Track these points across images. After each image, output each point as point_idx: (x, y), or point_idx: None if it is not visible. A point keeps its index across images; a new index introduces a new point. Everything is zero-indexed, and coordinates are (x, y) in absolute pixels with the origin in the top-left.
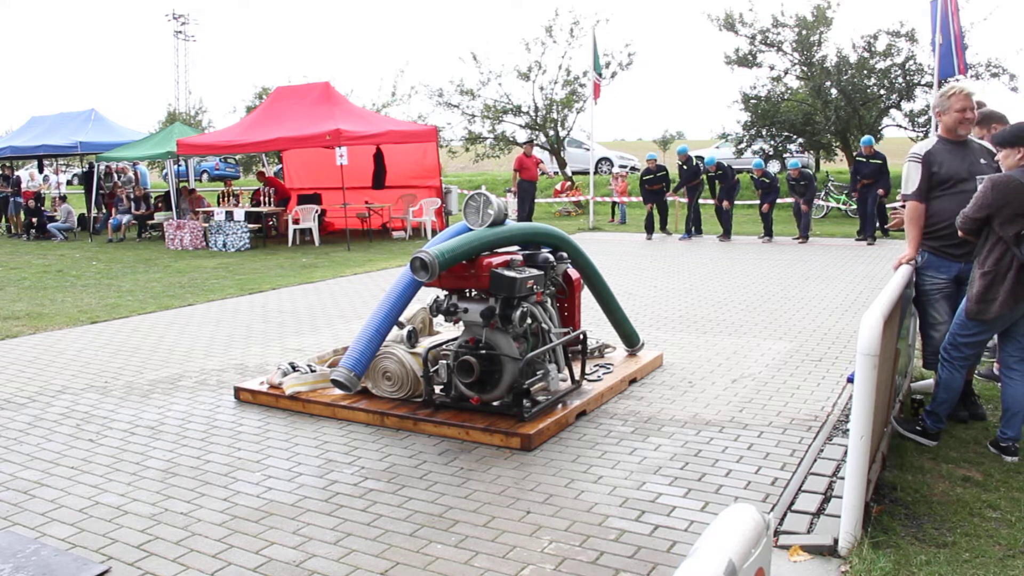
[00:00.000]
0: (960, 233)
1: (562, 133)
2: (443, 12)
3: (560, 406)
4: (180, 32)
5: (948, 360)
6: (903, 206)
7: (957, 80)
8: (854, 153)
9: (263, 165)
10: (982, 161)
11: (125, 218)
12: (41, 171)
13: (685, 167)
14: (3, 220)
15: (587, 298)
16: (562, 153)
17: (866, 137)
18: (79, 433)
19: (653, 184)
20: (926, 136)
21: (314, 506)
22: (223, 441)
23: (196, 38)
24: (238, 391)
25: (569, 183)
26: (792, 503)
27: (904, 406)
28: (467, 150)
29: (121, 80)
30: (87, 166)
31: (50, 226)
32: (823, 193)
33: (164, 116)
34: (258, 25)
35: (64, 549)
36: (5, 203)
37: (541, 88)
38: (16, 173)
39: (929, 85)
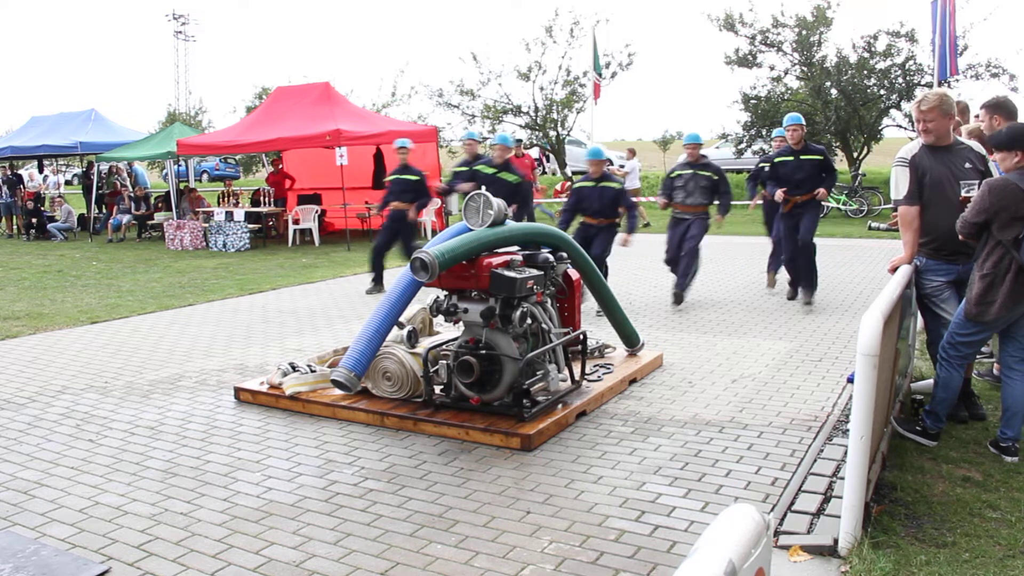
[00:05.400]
0: (960, 237)
1: (562, 133)
2: (443, 12)
3: (560, 406)
4: (180, 32)
5: (946, 359)
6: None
7: (946, 83)
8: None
9: (265, 166)
10: (967, 166)
11: (125, 218)
12: (41, 171)
13: None
14: (1, 222)
15: (587, 298)
16: (564, 154)
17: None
18: (79, 433)
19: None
20: None
21: (314, 506)
22: (223, 441)
23: (196, 38)
24: (238, 391)
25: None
26: (792, 503)
27: (904, 406)
28: None
29: (121, 80)
30: (87, 165)
31: (50, 226)
32: None
33: (164, 116)
34: (258, 25)
35: (64, 549)
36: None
37: (541, 88)
38: (9, 173)
39: (929, 85)
